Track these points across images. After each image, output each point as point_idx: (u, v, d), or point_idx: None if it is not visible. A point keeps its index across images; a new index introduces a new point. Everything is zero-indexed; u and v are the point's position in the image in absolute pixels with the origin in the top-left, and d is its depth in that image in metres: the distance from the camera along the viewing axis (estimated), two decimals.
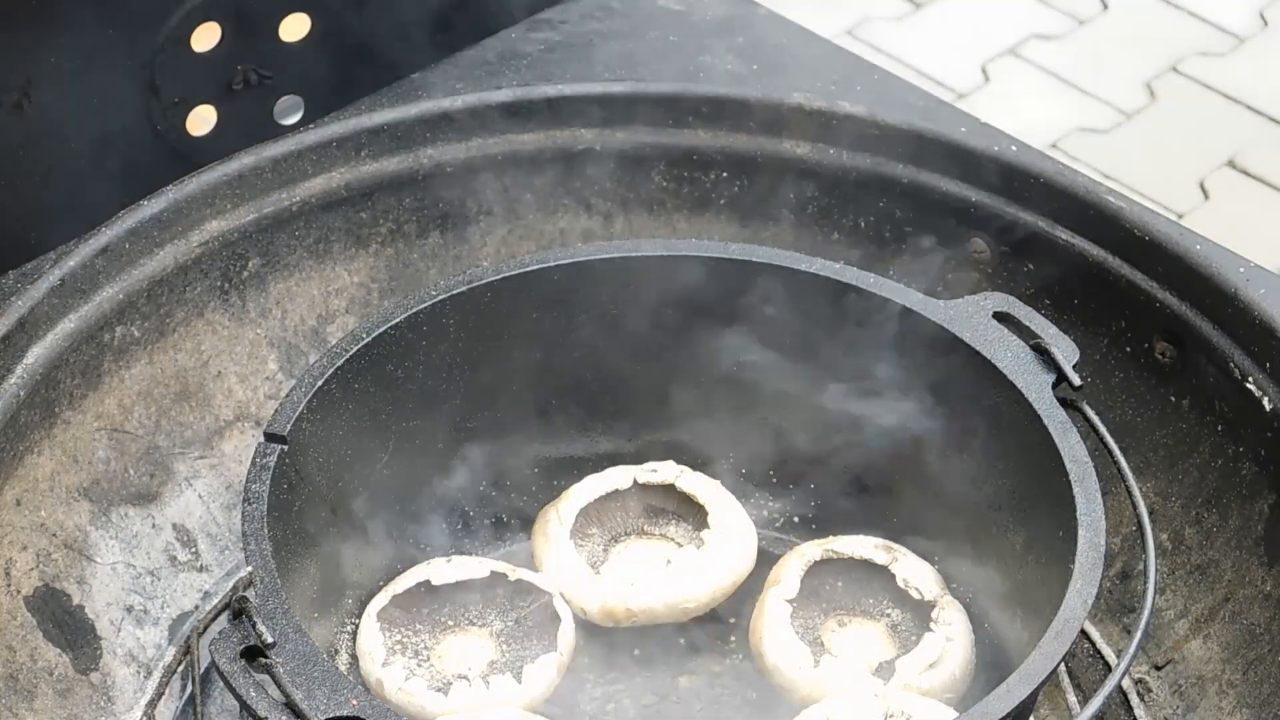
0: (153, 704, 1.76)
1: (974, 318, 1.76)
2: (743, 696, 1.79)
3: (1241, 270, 1.87)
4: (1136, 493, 1.65)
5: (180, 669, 1.79)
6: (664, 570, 1.78)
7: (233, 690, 1.45)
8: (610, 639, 1.81)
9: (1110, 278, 1.89)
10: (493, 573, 1.78)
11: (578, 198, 2.05)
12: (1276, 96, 4.04)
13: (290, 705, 1.44)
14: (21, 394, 1.74)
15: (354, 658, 1.77)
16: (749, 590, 1.81)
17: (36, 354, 1.77)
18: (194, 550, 1.87)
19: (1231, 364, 1.80)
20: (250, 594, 1.53)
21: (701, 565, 1.79)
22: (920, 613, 1.77)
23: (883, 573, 1.79)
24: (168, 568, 1.84)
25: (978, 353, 1.74)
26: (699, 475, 1.87)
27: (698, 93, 2.03)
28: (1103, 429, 1.70)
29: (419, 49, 2.17)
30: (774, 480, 1.96)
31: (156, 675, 1.78)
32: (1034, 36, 4.21)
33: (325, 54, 2.09)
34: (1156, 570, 1.61)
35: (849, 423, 1.87)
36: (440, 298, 1.78)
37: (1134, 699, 1.80)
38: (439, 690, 1.69)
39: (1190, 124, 3.98)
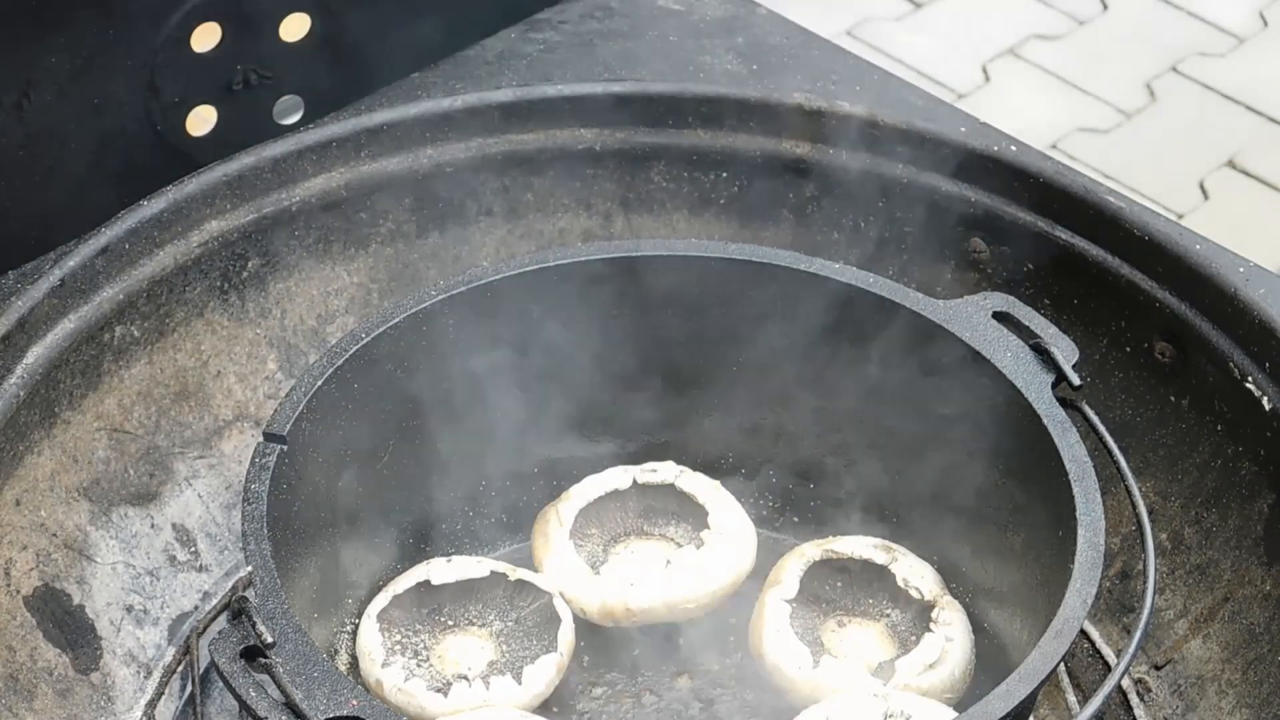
0: (152, 704, 1.76)
1: (974, 318, 1.76)
2: (742, 697, 1.79)
3: (1241, 270, 1.87)
4: (1136, 493, 1.65)
5: (180, 669, 1.79)
6: (664, 570, 1.78)
7: (232, 690, 1.45)
8: (610, 639, 1.81)
9: (1110, 278, 1.89)
10: (493, 573, 1.78)
11: (578, 198, 2.05)
12: (1276, 96, 4.05)
13: (290, 705, 1.44)
14: (21, 394, 1.74)
15: (354, 658, 1.77)
16: (749, 590, 1.81)
17: (36, 354, 1.77)
18: (194, 550, 1.87)
19: (1231, 364, 1.80)
20: (250, 594, 1.53)
21: (701, 565, 1.79)
22: (920, 613, 1.77)
23: (882, 573, 1.79)
24: (167, 568, 1.84)
25: (977, 353, 1.74)
26: (699, 475, 1.87)
27: (698, 93, 2.03)
28: (1102, 429, 1.70)
29: (419, 49, 2.17)
30: (774, 480, 1.96)
31: (156, 675, 1.78)
32: (1034, 36, 4.21)
33: (325, 54, 2.09)
34: (1156, 570, 1.61)
35: (849, 423, 1.87)
36: (440, 298, 1.78)
37: (1134, 699, 1.80)
38: (438, 691, 1.69)
39: (1190, 124, 3.98)
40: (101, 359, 1.84)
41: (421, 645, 1.77)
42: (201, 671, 1.78)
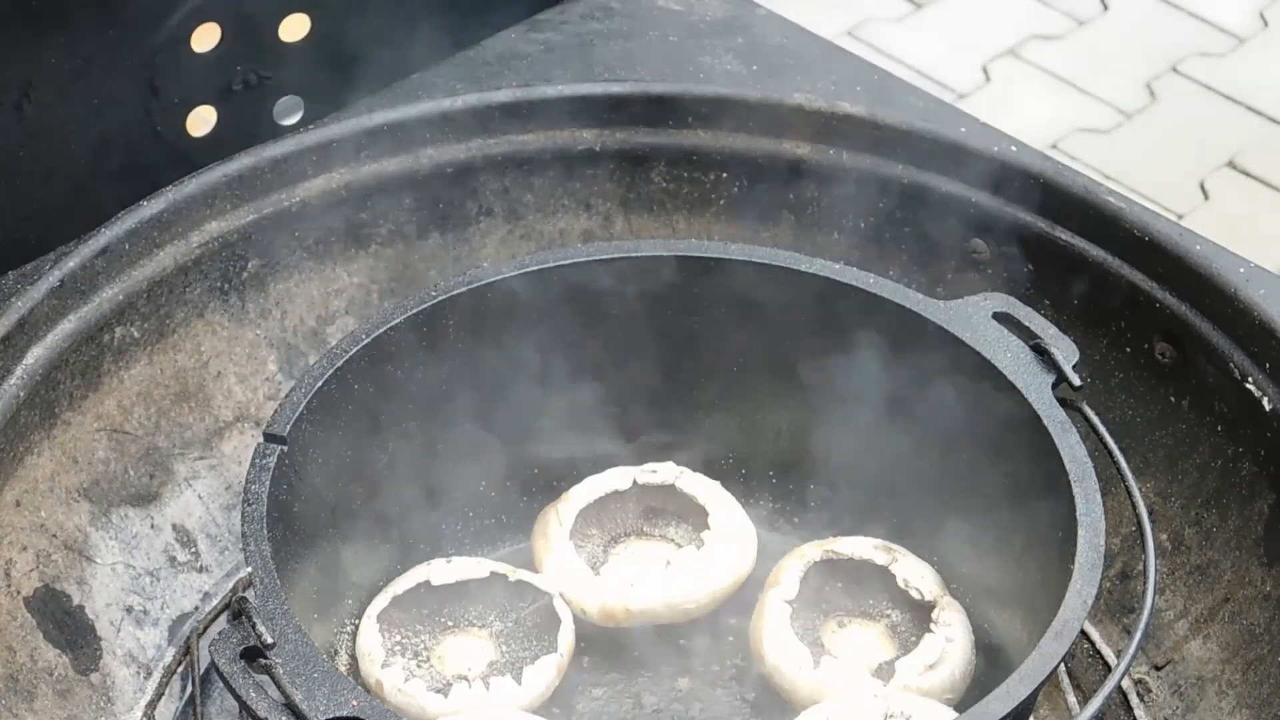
0: (153, 705, 1.76)
1: (974, 318, 1.76)
2: (742, 697, 1.79)
3: (1241, 270, 1.87)
4: (1136, 493, 1.65)
5: (180, 670, 1.79)
6: (664, 571, 1.78)
7: (232, 691, 1.45)
8: (610, 640, 1.81)
9: (1110, 278, 1.89)
10: (493, 573, 1.78)
11: (578, 198, 2.05)
12: (1276, 96, 4.05)
13: (290, 706, 1.44)
14: (21, 394, 1.74)
15: (354, 659, 1.77)
16: (749, 591, 1.81)
17: (36, 354, 1.77)
18: (194, 551, 1.87)
19: (1231, 364, 1.80)
20: (250, 594, 1.53)
21: (701, 566, 1.79)
22: (920, 613, 1.77)
23: (882, 573, 1.79)
24: (167, 568, 1.84)
25: (977, 353, 1.74)
26: (699, 476, 1.87)
27: (698, 93, 2.03)
28: (1102, 429, 1.70)
29: (419, 49, 2.17)
30: (774, 480, 1.96)
31: (156, 676, 1.78)
32: (1034, 36, 4.21)
33: (325, 54, 2.09)
34: (1156, 570, 1.61)
35: (849, 423, 1.87)
36: (440, 298, 1.78)
37: (1134, 699, 1.80)
38: (438, 691, 1.69)
39: (1190, 124, 3.98)
40: (101, 359, 1.84)
41: (421, 646, 1.77)
42: (201, 672, 1.77)
